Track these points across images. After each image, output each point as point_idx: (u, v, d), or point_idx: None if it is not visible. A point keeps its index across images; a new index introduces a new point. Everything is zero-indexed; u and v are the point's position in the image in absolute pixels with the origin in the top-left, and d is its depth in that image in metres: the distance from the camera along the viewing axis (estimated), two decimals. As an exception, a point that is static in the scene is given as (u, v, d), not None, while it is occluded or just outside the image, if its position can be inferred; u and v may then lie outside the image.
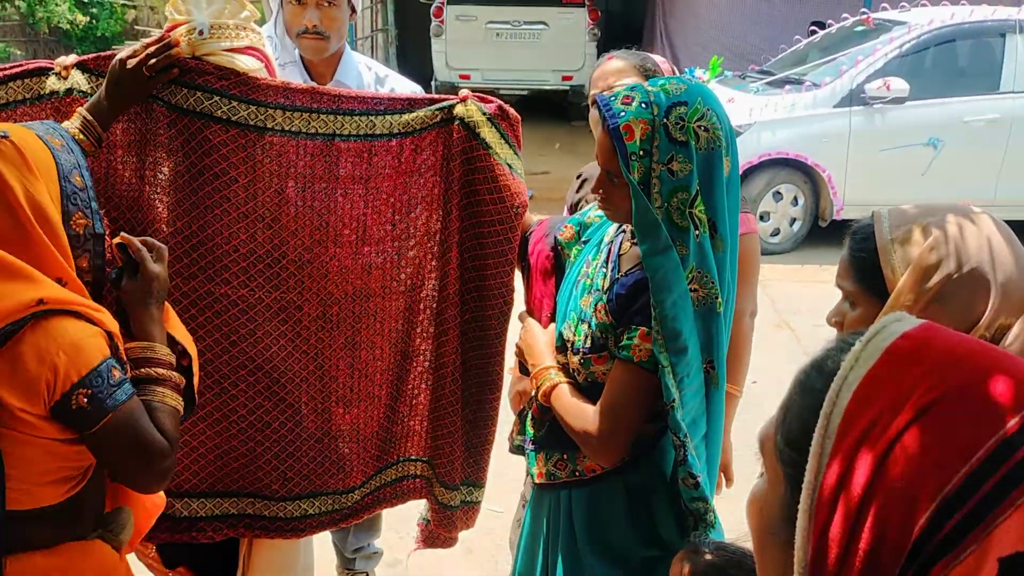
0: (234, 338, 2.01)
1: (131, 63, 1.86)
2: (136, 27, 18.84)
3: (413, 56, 13.08)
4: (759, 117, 6.84)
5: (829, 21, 8.05)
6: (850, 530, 0.73)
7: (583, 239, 2.01)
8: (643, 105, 1.60)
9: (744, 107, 6.87)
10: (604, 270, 1.80)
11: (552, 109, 11.53)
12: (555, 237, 2.08)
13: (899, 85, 6.66)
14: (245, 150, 1.95)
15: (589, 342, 1.77)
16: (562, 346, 1.88)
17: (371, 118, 2.03)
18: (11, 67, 1.97)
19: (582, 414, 1.75)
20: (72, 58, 1.99)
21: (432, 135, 2.07)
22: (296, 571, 2.35)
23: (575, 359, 1.81)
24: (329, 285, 2.08)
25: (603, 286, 1.76)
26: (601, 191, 1.72)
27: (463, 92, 2.12)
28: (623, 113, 1.60)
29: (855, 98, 6.80)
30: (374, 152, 2.04)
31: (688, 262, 1.62)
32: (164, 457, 1.51)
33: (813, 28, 8.18)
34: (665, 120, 1.58)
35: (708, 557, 1.64)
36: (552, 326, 1.98)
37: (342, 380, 2.15)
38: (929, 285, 1.39)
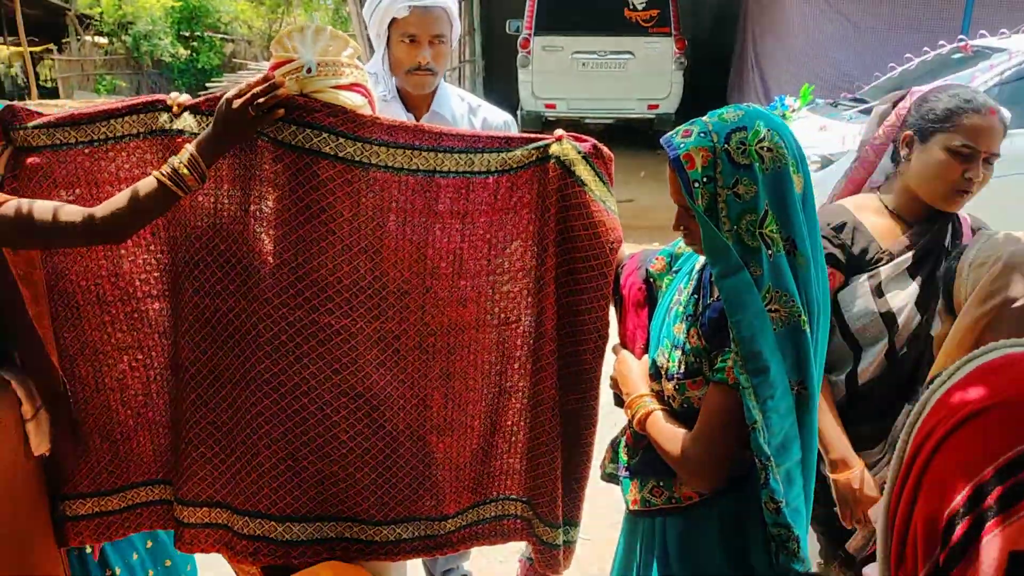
0: (336, 366, 2.06)
1: (237, 103, 1.91)
2: (234, 60, 19.62)
3: (499, 87, 13.25)
4: (853, 145, 6.70)
5: (925, 48, 7.86)
6: (906, 517, 0.86)
7: (674, 269, 2.04)
8: (702, 135, 1.64)
9: (837, 135, 6.74)
10: (695, 296, 1.83)
11: (637, 138, 11.52)
12: (647, 269, 2.11)
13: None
14: (351, 185, 2.01)
15: (683, 367, 1.79)
16: (656, 373, 1.90)
17: (470, 155, 2.07)
18: (129, 101, 2.06)
19: (677, 439, 1.77)
20: (185, 97, 2.07)
21: (528, 173, 2.10)
22: None
23: (670, 385, 1.83)
24: (426, 316, 2.13)
25: (695, 312, 1.79)
26: (682, 227, 1.78)
27: (558, 132, 2.15)
28: (682, 144, 1.64)
29: (953, 126, 6.61)
30: (472, 188, 2.09)
31: (763, 282, 1.63)
32: None
33: (909, 56, 7.99)
34: (726, 146, 1.62)
35: None
36: (645, 357, 2.00)
37: (436, 409, 2.19)
38: (984, 310, 1.41)
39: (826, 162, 6.45)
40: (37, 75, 17.41)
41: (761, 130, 1.63)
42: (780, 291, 1.63)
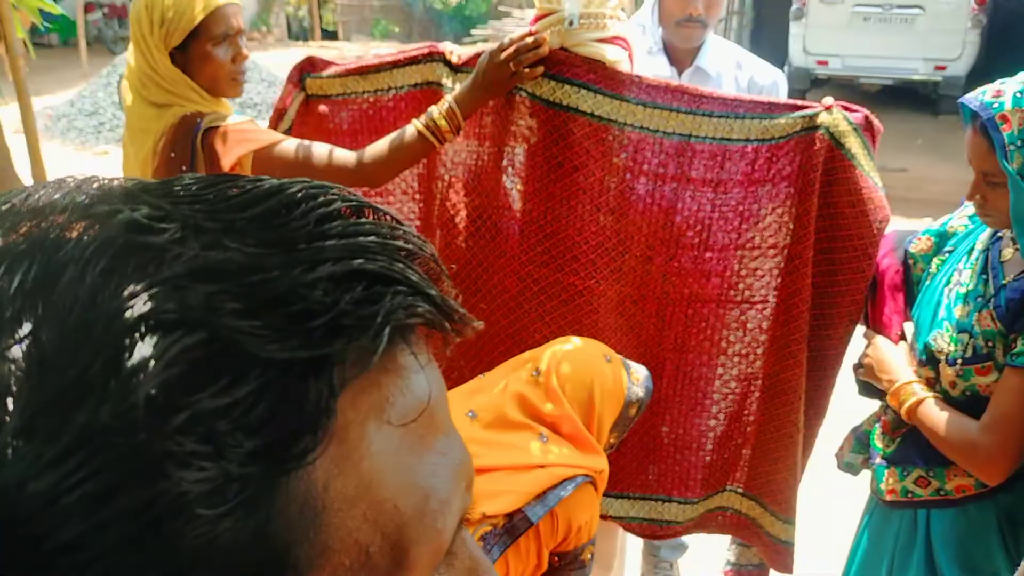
0: (577, 328, 2.03)
1: (500, 58, 1.91)
2: (500, 8, 20.05)
3: (768, 40, 12.63)
4: None
5: None
6: None
7: (945, 249, 1.91)
8: (1019, 95, 1.56)
9: None
10: (984, 276, 1.73)
11: (918, 100, 10.55)
12: (906, 250, 1.97)
13: None
14: (604, 144, 1.97)
15: (971, 351, 1.70)
16: (929, 359, 1.79)
17: (729, 121, 1.96)
18: (410, 52, 2.13)
19: (963, 427, 1.69)
20: (458, 51, 2.11)
21: (790, 144, 1.96)
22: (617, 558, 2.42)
23: (951, 371, 1.73)
24: (666, 284, 2.07)
25: (985, 293, 1.70)
26: (978, 196, 1.68)
27: (827, 100, 1.99)
28: (996, 104, 1.58)
29: None
30: (727, 156, 1.98)
31: None
32: None
33: None
34: None
35: None
36: (902, 343, 1.91)
37: (667, 380, 2.14)
38: None
39: None
40: (321, 18, 18.69)
41: None
42: None
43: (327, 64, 2.15)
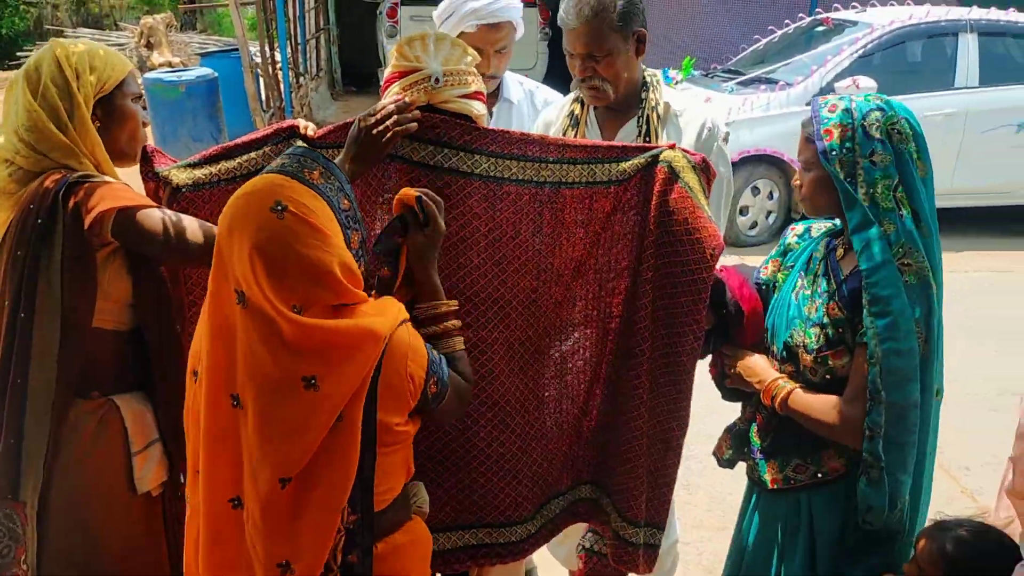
0: (475, 378, 2.05)
1: (376, 129, 1.90)
2: (43, 26, 17.99)
3: (352, 54, 13.08)
4: (737, 116, 7.10)
5: (787, 21, 8.39)
6: None
7: (787, 265, 2.19)
8: (844, 111, 1.93)
9: (722, 107, 7.11)
10: (825, 277, 2.02)
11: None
12: (756, 281, 2.23)
13: (867, 83, 7.00)
14: (487, 200, 2.03)
15: (823, 340, 1.97)
16: (789, 354, 2.05)
17: (592, 166, 2.11)
18: (262, 133, 2.03)
19: (829, 405, 1.95)
20: (312, 126, 2.06)
21: (637, 177, 2.14)
22: None
23: (809, 358, 2.00)
24: (542, 320, 2.16)
25: (830, 289, 1.99)
26: (798, 181, 2.04)
27: (671, 141, 2.19)
28: (826, 120, 1.94)
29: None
30: (594, 198, 2.13)
31: (895, 237, 1.88)
32: (469, 396, 1.86)
33: (772, 29, 8.49)
34: (863, 122, 1.90)
35: (960, 532, 1.86)
36: (757, 354, 2.14)
37: (552, 406, 2.24)
38: None
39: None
40: None
41: (895, 116, 1.92)
42: (911, 247, 1.88)
43: (159, 154, 2.05)
